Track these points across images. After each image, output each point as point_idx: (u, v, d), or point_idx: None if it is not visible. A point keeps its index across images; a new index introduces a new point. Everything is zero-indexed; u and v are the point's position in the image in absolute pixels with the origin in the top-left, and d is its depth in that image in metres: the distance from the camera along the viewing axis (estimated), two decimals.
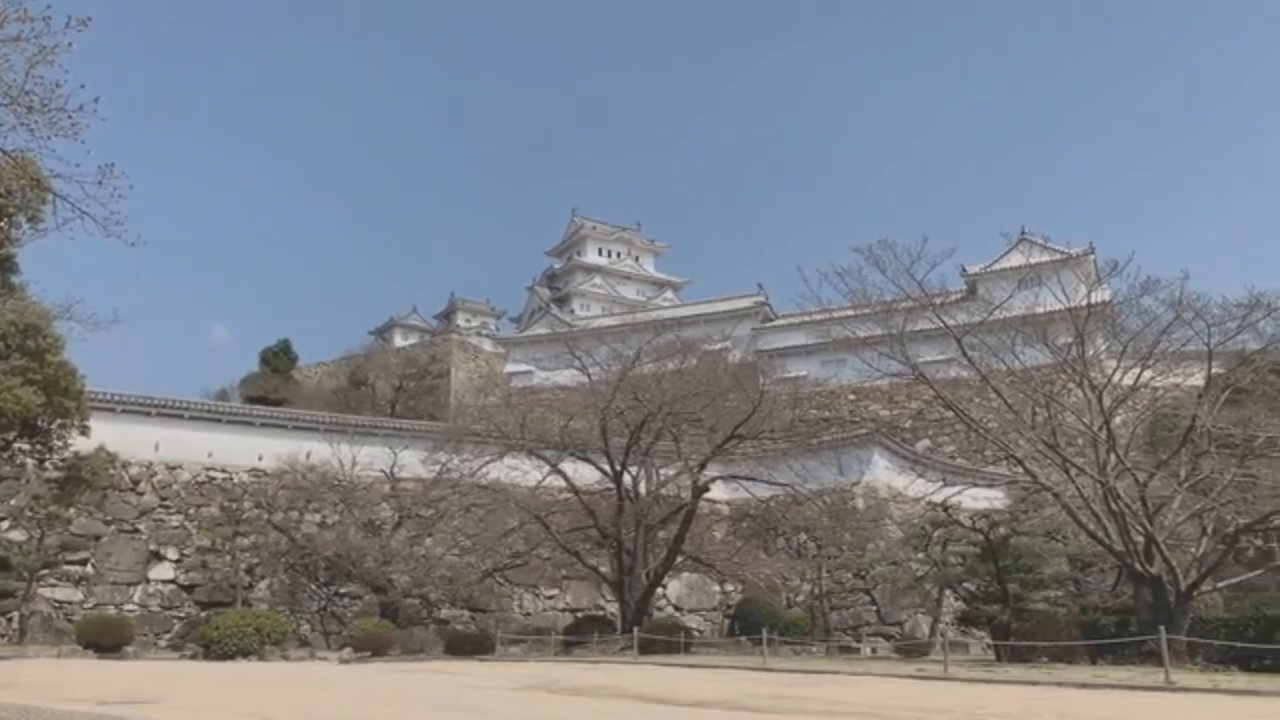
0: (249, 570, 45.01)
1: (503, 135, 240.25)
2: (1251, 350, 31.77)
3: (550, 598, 51.13)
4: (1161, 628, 23.59)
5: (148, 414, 47.57)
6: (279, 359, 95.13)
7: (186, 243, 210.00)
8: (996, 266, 67.94)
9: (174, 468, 47.57)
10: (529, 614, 49.97)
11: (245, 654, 36.36)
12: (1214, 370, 31.23)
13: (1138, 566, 28.66)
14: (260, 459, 48.43)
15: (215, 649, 36.51)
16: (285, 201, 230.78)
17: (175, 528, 46.04)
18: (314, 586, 46.37)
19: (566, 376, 63.56)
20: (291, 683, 25.50)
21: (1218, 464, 29.47)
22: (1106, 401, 31.31)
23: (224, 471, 48.44)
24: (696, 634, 46.98)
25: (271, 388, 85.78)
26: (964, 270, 70.32)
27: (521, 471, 43.83)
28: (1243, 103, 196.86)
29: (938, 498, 40.38)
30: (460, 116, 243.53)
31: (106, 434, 43.61)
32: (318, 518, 47.36)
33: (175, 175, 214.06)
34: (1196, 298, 30.78)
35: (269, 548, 44.85)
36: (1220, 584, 31.59)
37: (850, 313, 37.58)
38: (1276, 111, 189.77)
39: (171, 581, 44.73)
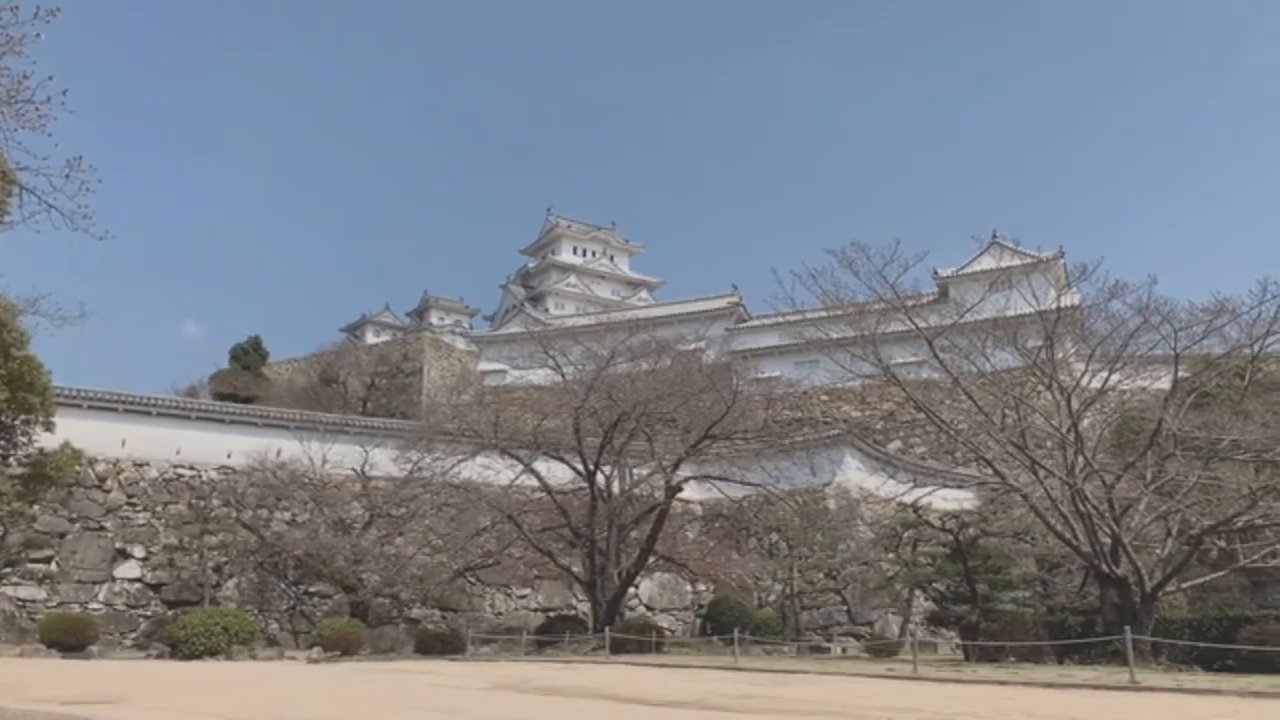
0: (217, 569, 44.52)
1: (477, 133, 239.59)
2: (1216, 355, 32.27)
3: (522, 597, 50.98)
4: (1127, 628, 23.90)
5: (115, 410, 46.92)
6: (249, 355, 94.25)
7: (158, 238, 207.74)
8: (968, 270, 68.57)
9: (141, 465, 46.95)
10: (500, 613, 49.80)
11: (212, 654, 35.96)
12: (1180, 374, 31.65)
13: (1104, 567, 29.00)
14: (229, 456, 47.93)
15: (182, 648, 36.09)
16: (259, 198, 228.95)
17: (142, 525, 45.44)
18: (283, 585, 45.97)
19: (540, 376, 63.36)
20: (259, 683, 25.25)
21: (1183, 466, 29.91)
22: (1075, 404, 31.66)
23: (192, 469, 47.88)
24: (668, 634, 47.02)
25: (242, 384, 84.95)
26: (936, 273, 70.92)
27: (494, 470, 43.67)
28: (1215, 111, 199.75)
29: (908, 498, 40.68)
30: (435, 114, 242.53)
31: (72, 430, 43.00)
32: (287, 516, 46.95)
33: (147, 172, 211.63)
34: (1164, 302, 31.31)
35: (237, 546, 44.37)
36: (1184, 585, 32.10)
37: (824, 314, 37.78)
38: (1248, 119, 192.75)
39: (138, 580, 44.13)
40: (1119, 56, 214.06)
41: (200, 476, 47.70)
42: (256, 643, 39.45)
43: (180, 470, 47.66)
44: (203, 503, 45.41)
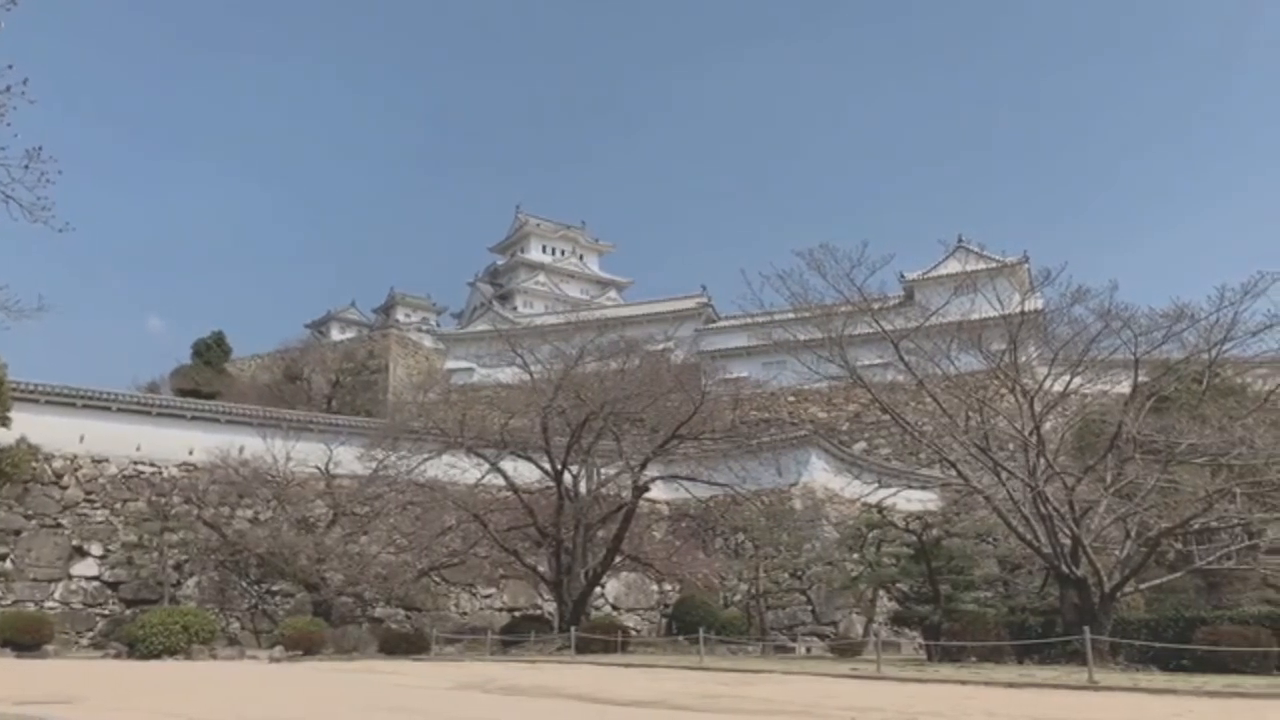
0: (177, 567, 43.91)
1: (446, 129, 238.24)
2: (1175, 360, 32.83)
3: (487, 597, 50.75)
4: (1086, 628, 24.26)
5: (73, 405, 46.09)
6: (212, 351, 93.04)
7: (122, 231, 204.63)
8: (934, 273, 69.19)
9: (100, 461, 46.15)
10: (465, 613, 49.55)
11: (172, 653, 35.47)
12: (1140, 378, 32.14)
13: (1064, 568, 29.38)
14: (191, 453, 47.28)
15: (140, 648, 35.55)
16: (224, 192, 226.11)
17: (100, 523, 44.67)
18: (245, 584, 45.42)
19: (508, 374, 63.16)
20: (220, 682, 24.95)
21: (1142, 469, 30.36)
22: (1037, 407, 32.05)
23: (153, 465, 47.13)
24: (634, 633, 47.04)
25: (204, 380, 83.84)
26: (902, 276, 71.51)
27: (460, 469, 43.43)
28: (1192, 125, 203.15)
29: (873, 499, 41.01)
30: (404, 109, 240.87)
31: (29, 425, 42.32)
32: (250, 514, 46.42)
33: (111, 165, 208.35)
34: (1125, 308, 31.73)
35: (198, 544, 43.80)
36: (1142, 586, 32.59)
37: (791, 316, 37.97)
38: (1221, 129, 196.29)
39: (95, 578, 43.38)
40: (1093, 65, 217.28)
41: (161, 473, 46.98)
42: (217, 642, 38.98)
43: (140, 467, 46.91)
44: (163, 500, 44.76)
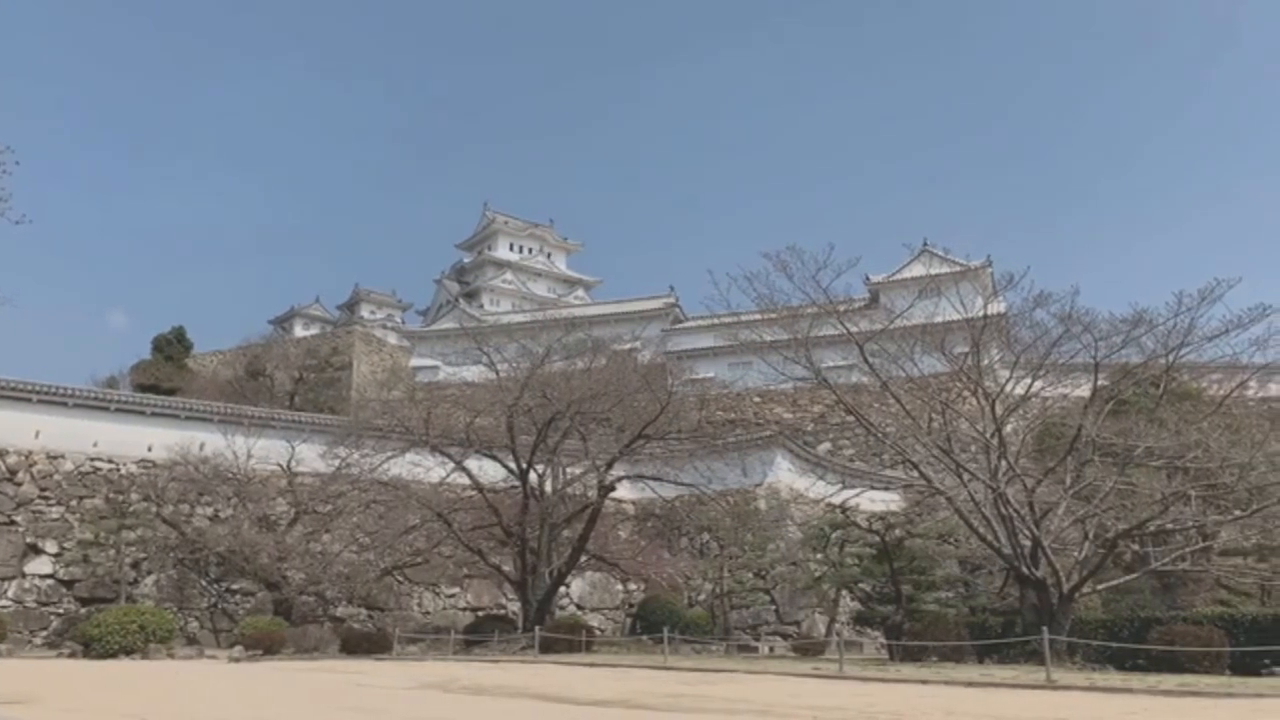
0: (134, 565, 43.24)
1: (414, 124, 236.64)
2: (1134, 364, 33.34)
3: (451, 596, 50.46)
4: (1044, 628, 24.56)
5: (28, 400, 45.21)
6: (173, 346, 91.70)
7: (83, 225, 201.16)
8: (898, 276, 69.83)
9: (55, 457, 45.30)
10: (428, 613, 49.22)
11: (128, 652, 34.95)
12: (1099, 382, 32.58)
13: (1024, 569, 29.73)
14: (150, 449, 46.56)
15: (96, 647, 34.99)
16: (188, 183, 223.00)
17: (55, 520, 43.84)
18: (204, 583, 44.85)
19: (474, 372, 62.94)
20: (177, 682, 24.59)
21: (1100, 472, 30.81)
22: (999, 410, 32.39)
23: (110, 462, 46.34)
24: (598, 633, 46.99)
25: (164, 376, 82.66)
26: (868, 279, 72.10)
27: (424, 468, 43.12)
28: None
29: (837, 500, 41.20)
30: (371, 103, 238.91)
31: None
32: (210, 511, 45.82)
33: (75, 158, 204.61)
34: (1085, 313, 32.12)
35: (157, 542, 43.18)
36: (1099, 586, 33.05)
37: (758, 317, 38.10)
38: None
39: (50, 576, 42.58)
40: (1061, 70, 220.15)
41: (119, 470, 46.22)
42: (175, 641, 38.49)
43: (97, 463, 46.12)
44: (121, 497, 44.07)
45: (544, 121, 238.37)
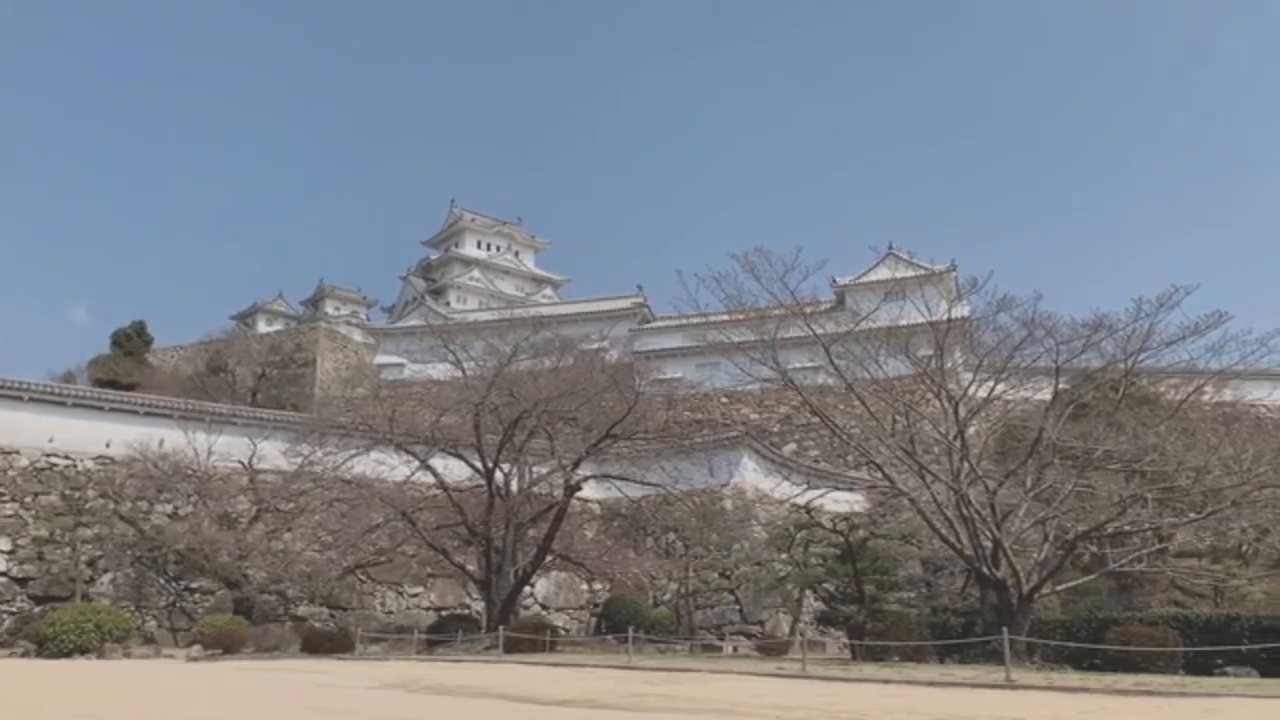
0: (90, 563, 42.49)
1: (382, 120, 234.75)
2: (1094, 368, 33.81)
3: (414, 596, 50.10)
4: (1004, 629, 24.85)
5: None
6: (132, 341, 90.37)
7: (44, 217, 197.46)
8: (864, 279, 70.29)
9: (9, 453, 44.34)
10: (391, 612, 48.85)
11: (83, 651, 34.34)
12: (1060, 386, 33.00)
13: (985, 570, 30.06)
14: (108, 446, 45.69)
15: (50, 646, 34.35)
16: (150, 176, 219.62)
17: (9, 517, 42.91)
18: (162, 581, 44.13)
19: (440, 370, 62.52)
20: (134, 682, 24.21)
21: (1060, 475, 31.20)
22: (962, 412, 32.72)
23: (67, 458, 45.46)
24: (563, 632, 46.88)
25: (123, 371, 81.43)
26: (834, 281, 72.52)
27: (389, 466, 42.79)
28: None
29: (802, 500, 41.43)
30: (337, 97, 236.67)
31: None
32: (169, 509, 45.10)
33: (41, 150, 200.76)
34: (1047, 317, 32.53)
35: (114, 539, 42.46)
36: (1058, 587, 33.47)
37: (725, 318, 38.25)
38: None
39: (3, 574, 41.62)
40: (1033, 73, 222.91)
41: (75, 466, 45.38)
42: (132, 640, 37.87)
43: (53, 459, 45.22)
44: (77, 494, 43.29)
45: (513, 120, 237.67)
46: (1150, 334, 31.29)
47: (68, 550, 41.33)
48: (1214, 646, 26.23)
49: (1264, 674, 24.60)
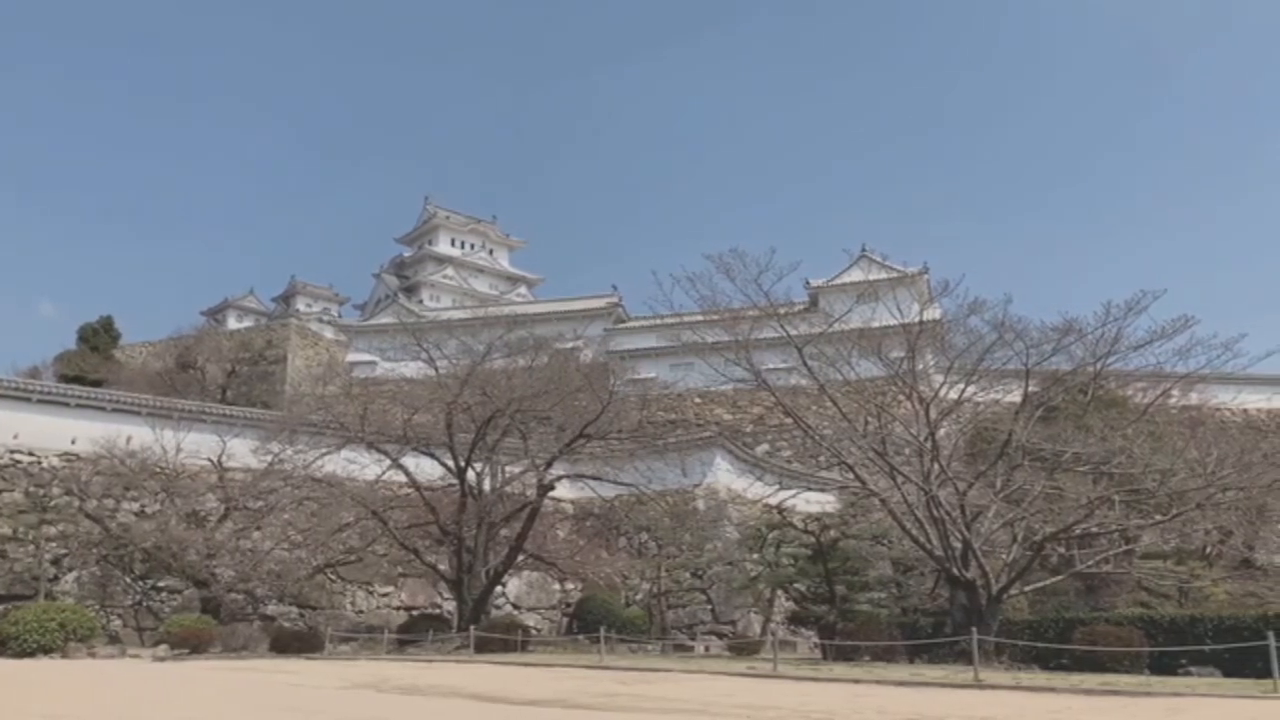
0: (55, 561, 41.88)
1: (356, 116, 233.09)
2: (1063, 371, 34.19)
3: (385, 595, 49.75)
4: (974, 629, 25.10)
5: None
6: (100, 336, 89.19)
7: (10, 211, 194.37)
8: (838, 281, 70.69)
9: None
10: (362, 611, 48.50)
11: (46, 651, 33.86)
12: (1030, 389, 33.33)
13: (955, 571, 30.30)
14: (74, 442, 45.03)
15: (12, 645, 33.83)
16: (120, 170, 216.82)
17: None
18: (129, 579, 43.54)
19: (412, 369, 62.04)
20: (99, 682, 23.88)
21: (1029, 476, 31.52)
22: (933, 414, 32.96)
23: (31, 455, 44.75)
24: (535, 632, 46.74)
25: (90, 366, 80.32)
26: (807, 283, 72.79)
27: (360, 465, 42.48)
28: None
29: (774, 500, 41.62)
30: (310, 92, 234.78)
31: None
32: (136, 507, 44.56)
33: (6, 143, 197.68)
34: (1018, 320, 32.87)
35: (79, 538, 41.88)
36: (1027, 588, 33.81)
37: (700, 318, 38.35)
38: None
39: None
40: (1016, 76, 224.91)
41: (40, 463, 44.70)
42: (97, 640, 37.34)
43: (17, 456, 44.51)
44: (41, 491, 42.69)
45: (487, 118, 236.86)
46: (1119, 338, 31.75)
47: (31, 548, 40.73)
48: (1178, 646, 26.62)
49: (1227, 673, 24.94)
